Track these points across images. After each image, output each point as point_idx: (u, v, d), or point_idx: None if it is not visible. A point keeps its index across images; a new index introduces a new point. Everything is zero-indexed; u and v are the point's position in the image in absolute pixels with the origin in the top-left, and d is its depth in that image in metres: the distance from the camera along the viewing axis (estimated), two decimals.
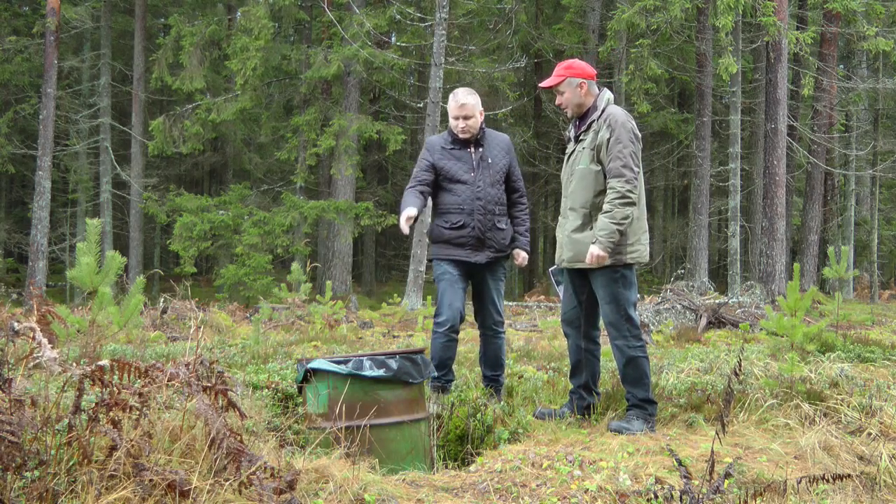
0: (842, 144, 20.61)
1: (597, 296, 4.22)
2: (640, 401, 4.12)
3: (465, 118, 4.58)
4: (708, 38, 16.53)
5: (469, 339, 7.99)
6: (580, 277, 4.31)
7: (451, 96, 4.69)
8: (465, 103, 4.59)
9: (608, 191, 4.03)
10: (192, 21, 18.31)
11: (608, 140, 4.05)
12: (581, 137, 4.21)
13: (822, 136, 18.65)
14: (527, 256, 4.84)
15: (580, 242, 4.13)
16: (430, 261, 4.78)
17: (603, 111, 4.15)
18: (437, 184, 4.63)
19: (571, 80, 4.20)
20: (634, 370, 4.12)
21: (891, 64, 20.46)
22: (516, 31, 18.36)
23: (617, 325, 4.12)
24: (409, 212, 4.35)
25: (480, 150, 4.67)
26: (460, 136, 4.62)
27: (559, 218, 4.38)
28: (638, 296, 4.33)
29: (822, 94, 18.40)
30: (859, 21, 16.09)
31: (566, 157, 4.36)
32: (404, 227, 4.36)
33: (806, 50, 15.96)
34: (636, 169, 4.06)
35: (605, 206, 4.02)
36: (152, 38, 22.31)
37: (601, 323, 4.42)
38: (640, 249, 4.12)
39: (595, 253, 3.99)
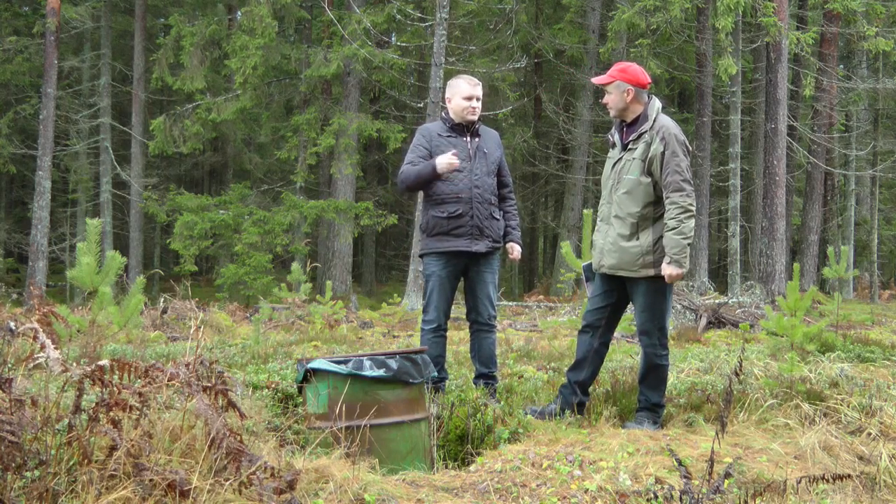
0: (842, 144, 20.60)
1: (634, 303, 4.24)
2: (653, 404, 4.21)
3: (478, 99, 4.57)
4: (708, 38, 16.52)
5: (468, 339, 7.97)
6: (614, 283, 4.29)
7: (459, 79, 4.62)
8: (479, 84, 4.61)
9: (669, 206, 4.02)
10: (192, 21, 18.29)
11: (662, 153, 4.04)
12: (630, 147, 4.17)
13: (822, 136, 18.65)
14: (521, 250, 4.82)
15: (626, 251, 4.12)
16: (420, 256, 4.69)
17: (654, 121, 4.12)
18: None
19: (620, 84, 4.17)
20: (655, 376, 4.20)
21: (891, 64, 20.45)
22: (516, 31, 18.35)
23: (649, 333, 4.16)
24: (443, 158, 4.39)
25: (477, 139, 4.63)
26: (468, 117, 4.56)
27: (598, 222, 4.34)
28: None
29: (822, 94, 18.39)
30: (859, 21, 16.08)
31: (611, 162, 4.31)
32: (456, 162, 4.40)
33: (806, 50, 15.97)
34: (692, 181, 4.08)
35: (671, 223, 4.00)
36: (152, 38, 22.30)
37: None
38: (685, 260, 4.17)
39: (672, 273, 4.01)
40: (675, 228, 3.98)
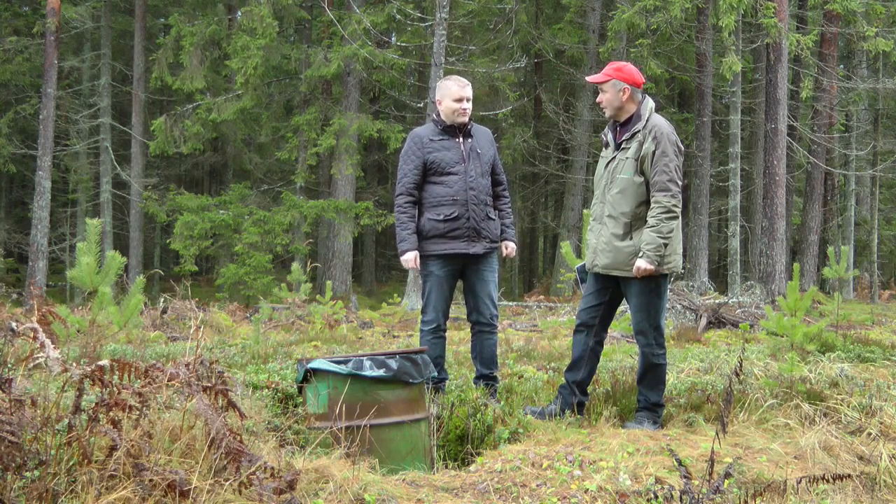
0: (842, 144, 20.60)
1: (629, 303, 4.26)
2: (652, 404, 4.22)
3: (468, 100, 4.55)
4: (708, 38, 16.53)
5: (468, 340, 7.98)
6: (607, 281, 4.30)
7: (447, 80, 4.61)
8: (468, 84, 4.58)
9: (653, 204, 4.05)
10: (192, 21, 18.29)
11: (653, 153, 4.06)
12: (624, 146, 4.18)
13: (822, 136, 18.64)
14: (515, 248, 4.84)
15: (619, 251, 4.13)
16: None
17: (647, 121, 4.14)
18: (426, 178, 4.56)
19: (616, 83, 4.19)
20: (653, 376, 4.22)
21: (891, 64, 20.44)
22: (516, 31, 18.35)
23: (645, 333, 4.19)
24: (412, 256, 4.49)
25: (469, 140, 4.61)
26: (459, 119, 4.53)
27: (592, 222, 4.35)
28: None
29: (822, 94, 18.39)
30: (859, 21, 16.07)
31: (604, 161, 4.32)
32: (414, 265, 4.49)
33: (806, 51, 15.97)
34: (680, 182, 4.09)
35: (651, 221, 4.03)
36: (152, 38, 22.30)
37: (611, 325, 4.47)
38: (675, 259, 4.16)
39: (643, 267, 4.02)
40: (654, 227, 4.02)
